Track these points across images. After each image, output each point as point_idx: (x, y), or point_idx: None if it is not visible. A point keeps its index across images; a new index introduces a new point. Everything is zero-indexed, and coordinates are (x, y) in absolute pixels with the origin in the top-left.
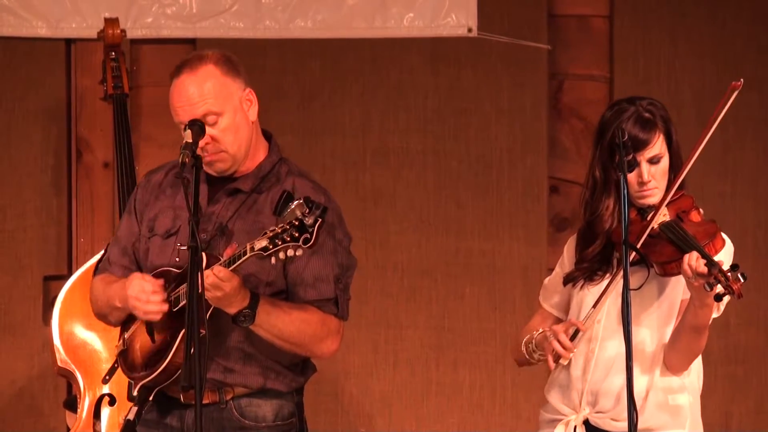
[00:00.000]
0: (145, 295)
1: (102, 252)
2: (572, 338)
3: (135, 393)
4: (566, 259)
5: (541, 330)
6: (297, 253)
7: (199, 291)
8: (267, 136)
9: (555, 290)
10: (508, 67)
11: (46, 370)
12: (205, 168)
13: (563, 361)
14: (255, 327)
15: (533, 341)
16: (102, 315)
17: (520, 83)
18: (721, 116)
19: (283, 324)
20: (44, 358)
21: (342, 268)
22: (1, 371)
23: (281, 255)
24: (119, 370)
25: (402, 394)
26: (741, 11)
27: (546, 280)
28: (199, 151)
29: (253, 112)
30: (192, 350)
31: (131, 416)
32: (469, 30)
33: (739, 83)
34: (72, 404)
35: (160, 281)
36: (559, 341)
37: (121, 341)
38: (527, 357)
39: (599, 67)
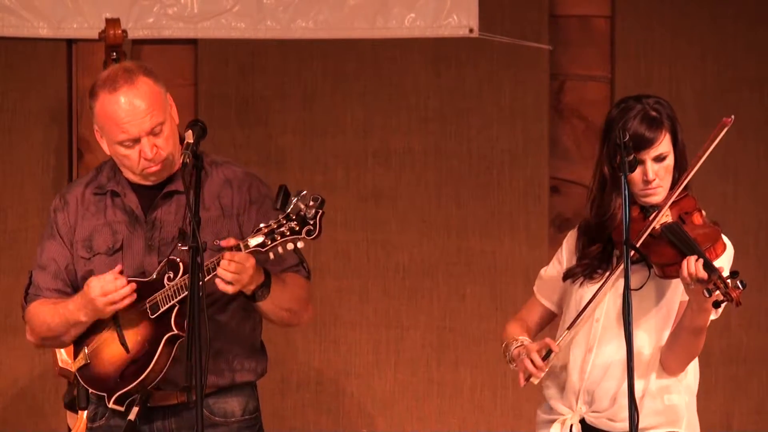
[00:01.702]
0: (112, 285)
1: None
2: (545, 358)
3: (111, 404)
4: (565, 253)
5: (519, 342)
6: (299, 245)
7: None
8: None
9: (551, 284)
10: (509, 67)
11: (48, 370)
12: (145, 180)
13: (534, 380)
14: (265, 302)
15: (509, 352)
16: (53, 337)
17: (521, 83)
18: (710, 151)
19: (290, 293)
20: (45, 358)
21: None
22: (2, 371)
23: (280, 249)
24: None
25: (403, 394)
26: (742, 12)
27: (542, 271)
28: (143, 164)
29: (175, 114)
30: (194, 350)
31: (132, 416)
32: (471, 30)
33: (730, 119)
34: (73, 405)
35: (117, 267)
36: (531, 360)
37: (81, 355)
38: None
39: (600, 68)
